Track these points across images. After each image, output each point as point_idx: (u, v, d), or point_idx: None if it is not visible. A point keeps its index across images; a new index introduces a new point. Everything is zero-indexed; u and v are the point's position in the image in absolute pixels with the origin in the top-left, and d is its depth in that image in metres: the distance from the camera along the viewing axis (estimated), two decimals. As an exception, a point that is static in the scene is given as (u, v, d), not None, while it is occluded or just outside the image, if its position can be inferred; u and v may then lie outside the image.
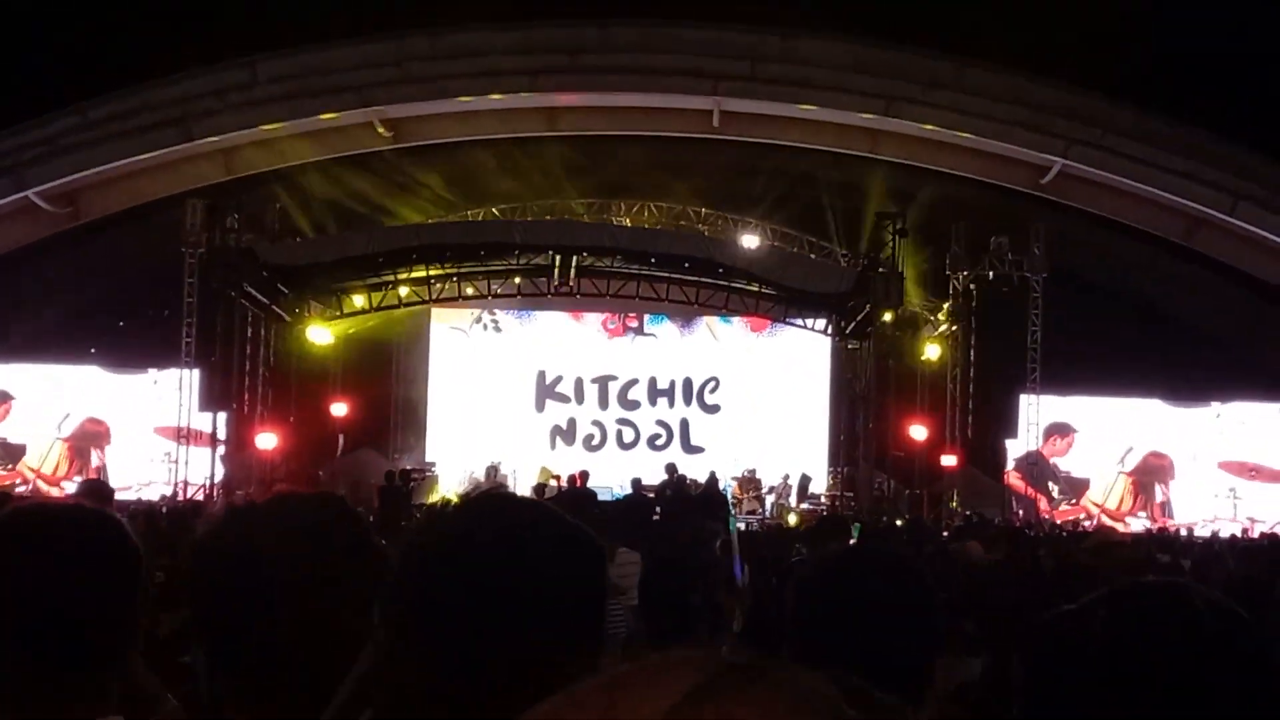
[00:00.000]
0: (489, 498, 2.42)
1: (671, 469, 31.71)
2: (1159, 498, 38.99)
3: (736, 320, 40.27)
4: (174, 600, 11.78)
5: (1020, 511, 37.01)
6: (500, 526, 2.24)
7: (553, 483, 33.86)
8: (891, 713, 1.16)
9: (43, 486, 36.84)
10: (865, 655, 3.04)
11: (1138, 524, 36.83)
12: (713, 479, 31.80)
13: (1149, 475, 39.02)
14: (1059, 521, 36.34)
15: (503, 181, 40.04)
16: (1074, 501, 38.86)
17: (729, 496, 35.51)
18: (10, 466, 38.30)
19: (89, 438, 38.47)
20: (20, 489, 35.37)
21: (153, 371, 37.93)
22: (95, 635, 2.73)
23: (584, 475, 30.78)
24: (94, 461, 38.37)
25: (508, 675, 2.10)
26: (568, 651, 2.15)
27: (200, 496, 33.29)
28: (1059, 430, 38.78)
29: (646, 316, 40.80)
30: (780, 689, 1.10)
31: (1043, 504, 38.13)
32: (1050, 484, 38.70)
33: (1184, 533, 34.65)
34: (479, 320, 40.71)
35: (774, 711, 1.07)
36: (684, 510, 25.57)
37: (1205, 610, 2.08)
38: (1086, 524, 35.75)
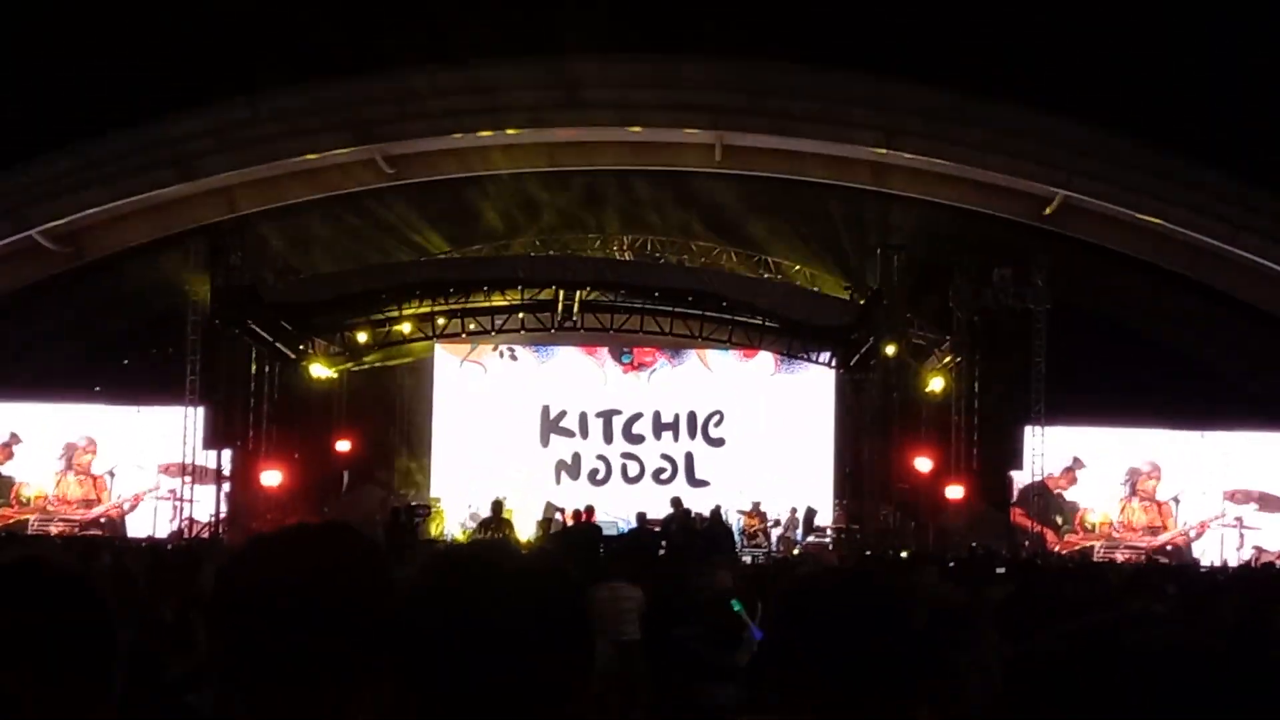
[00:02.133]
0: (458, 548, 2.61)
1: (677, 503, 31.69)
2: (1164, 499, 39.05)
3: (741, 353, 40.24)
4: (182, 641, 11.74)
5: (1027, 543, 36.94)
6: (469, 571, 2.46)
7: (558, 517, 33.86)
8: None
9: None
10: (845, 673, 3.07)
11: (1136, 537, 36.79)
12: (717, 513, 31.75)
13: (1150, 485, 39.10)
14: (1064, 553, 36.32)
15: (503, 217, 40.03)
16: (1078, 532, 38.82)
17: (737, 530, 35.57)
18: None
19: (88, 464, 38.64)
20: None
21: (144, 409, 37.97)
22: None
23: (590, 510, 30.81)
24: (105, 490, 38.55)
25: (498, 704, 2.27)
26: (549, 678, 2.32)
27: (206, 534, 33.28)
28: (1073, 463, 38.82)
29: (651, 349, 40.77)
30: None
31: (1050, 536, 38.07)
32: (1056, 516, 38.64)
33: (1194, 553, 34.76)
34: (495, 349, 40.64)
35: None
36: (690, 546, 25.60)
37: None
38: (1108, 553, 35.81)
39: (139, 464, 38.59)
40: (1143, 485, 39.10)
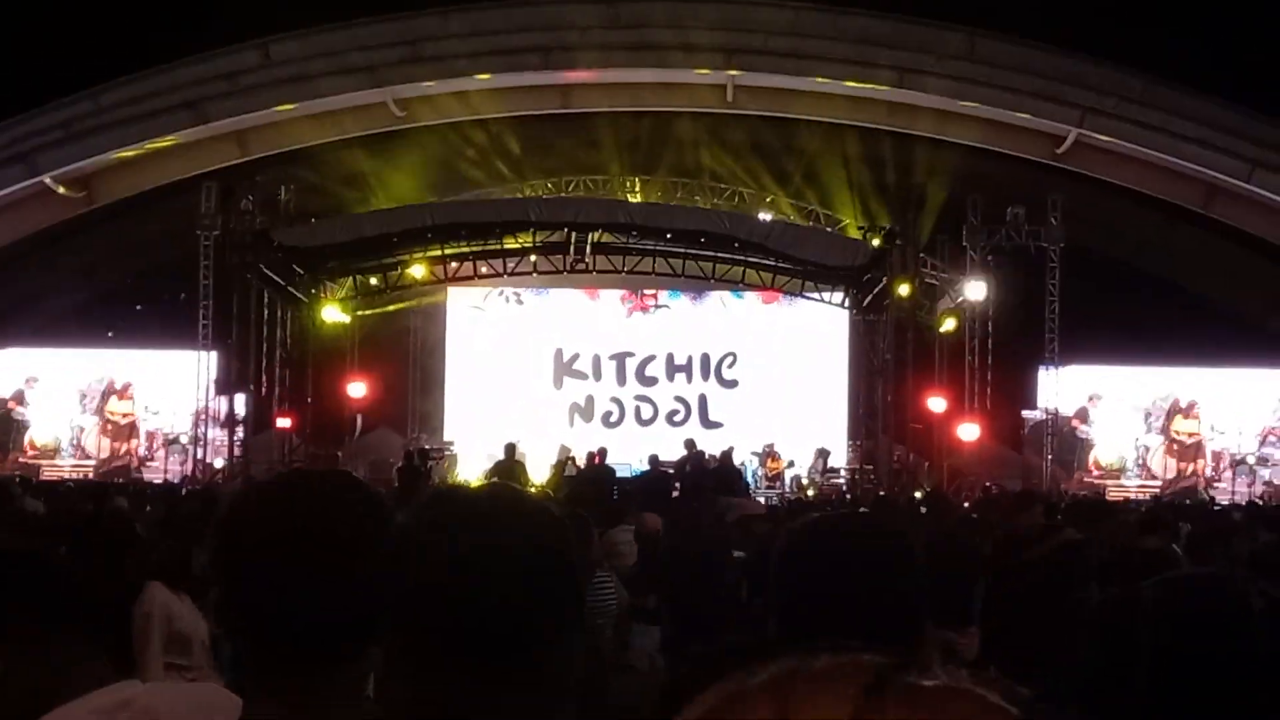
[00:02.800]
0: (451, 489, 2.59)
1: (690, 444, 31.66)
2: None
3: (753, 294, 40.18)
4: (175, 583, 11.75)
5: (1040, 483, 36.94)
6: (462, 513, 2.42)
7: (573, 457, 33.85)
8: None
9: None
10: (849, 618, 3.07)
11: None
12: (727, 455, 31.69)
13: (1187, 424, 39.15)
14: (1080, 494, 36.34)
15: (514, 160, 39.95)
16: (1091, 471, 38.89)
17: (754, 472, 35.62)
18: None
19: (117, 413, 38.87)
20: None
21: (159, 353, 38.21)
22: None
23: (602, 453, 30.76)
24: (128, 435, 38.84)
25: (488, 645, 2.26)
26: (542, 618, 2.31)
27: (221, 479, 33.39)
28: (1092, 398, 38.81)
29: (663, 291, 40.71)
30: (956, 696, 1.09)
31: (1061, 474, 38.09)
32: (1069, 455, 38.66)
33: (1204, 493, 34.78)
34: (500, 294, 40.61)
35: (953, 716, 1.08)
36: (702, 486, 25.59)
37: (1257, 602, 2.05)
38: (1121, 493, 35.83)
39: (153, 409, 38.75)
40: (1175, 427, 39.09)
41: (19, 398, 38.86)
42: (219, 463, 35.56)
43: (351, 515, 2.57)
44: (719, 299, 40.69)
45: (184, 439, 37.89)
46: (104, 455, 38.48)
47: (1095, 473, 38.57)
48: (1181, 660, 2.02)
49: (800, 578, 3.32)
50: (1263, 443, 39.17)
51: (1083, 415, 38.78)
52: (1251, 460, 38.73)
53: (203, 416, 36.11)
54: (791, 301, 39.66)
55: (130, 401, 38.80)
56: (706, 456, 31.15)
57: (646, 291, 40.75)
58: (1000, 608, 4.61)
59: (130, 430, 38.91)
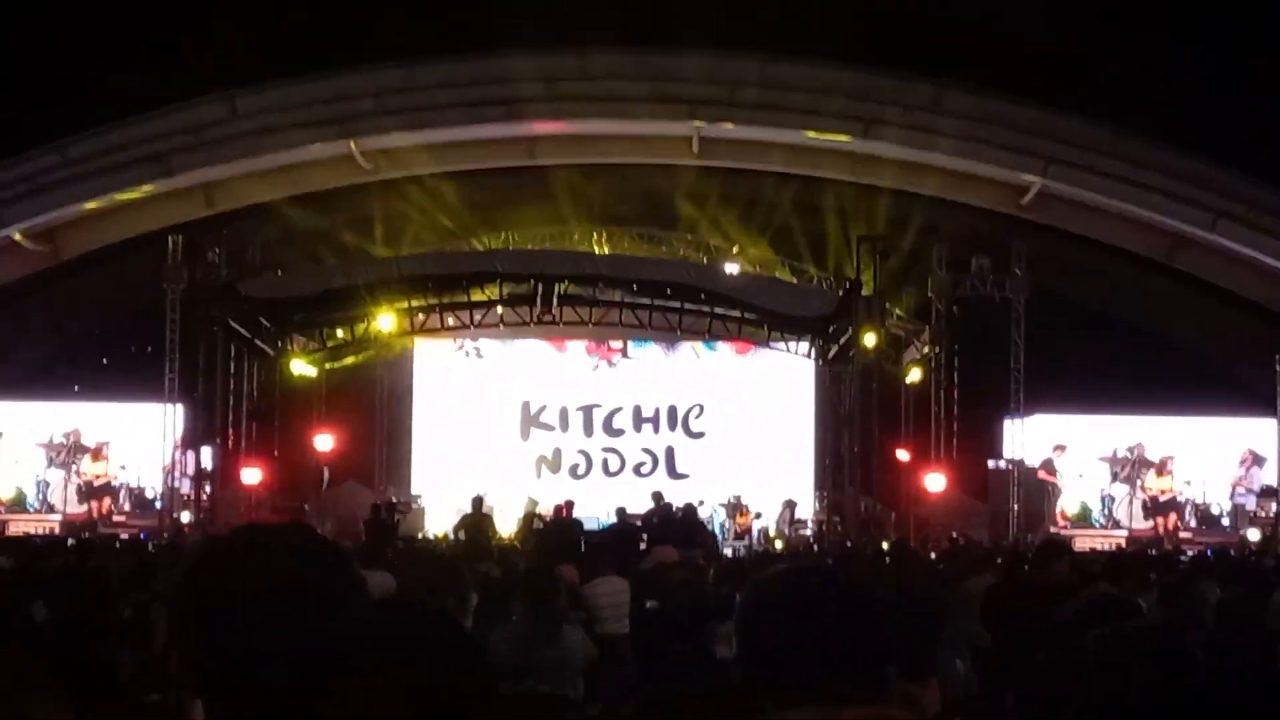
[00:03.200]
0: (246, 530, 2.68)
1: (658, 497, 31.63)
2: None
3: (721, 345, 40.27)
4: (140, 637, 11.66)
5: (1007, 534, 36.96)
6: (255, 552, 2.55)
7: (539, 511, 33.78)
8: None
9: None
10: (812, 666, 3.13)
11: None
12: (690, 508, 31.64)
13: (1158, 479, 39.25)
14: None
15: (481, 211, 40.00)
16: (1057, 522, 38.92)
17: (722, 524, 35.62)
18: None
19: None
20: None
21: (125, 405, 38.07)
22: None
23: (569, 505, 30.78)
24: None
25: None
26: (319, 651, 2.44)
27: (186, 533, 33.22)
28: (1058, 448, 38.87)
29: (630, 342, 40.76)
30: None
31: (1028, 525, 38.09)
32: (1035, 505, 38.70)
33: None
34: (460, 348, 40.64)
35: None
36: (668, 538, 25.57)
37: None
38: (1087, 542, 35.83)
39: (119, 463, 38.57)
40: (1147, 483, 39.17)
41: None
42: (185, 516, 35.38)
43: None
44: (690, 349, 40.77)
45: (149, 493, 37.74)
46: (72, 511, 38.23)
47: (1062, 523, 38.56)
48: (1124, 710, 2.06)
49: (767, 626, 3.37)
50: (1233, 494, 39.27)
51: (1048, 466, 38.83)
52: (1222, 511, 38.91)
53: (170, 470, 35.97)
54: (758, 352, 39.75)
55: (105, 462, 38.59)
56: (675, 509, 31.14)
57: (613, 344, 40.80)
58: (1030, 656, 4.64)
59: (104, 489, 38.71)
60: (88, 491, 38.42)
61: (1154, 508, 39.01)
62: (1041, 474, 38.83)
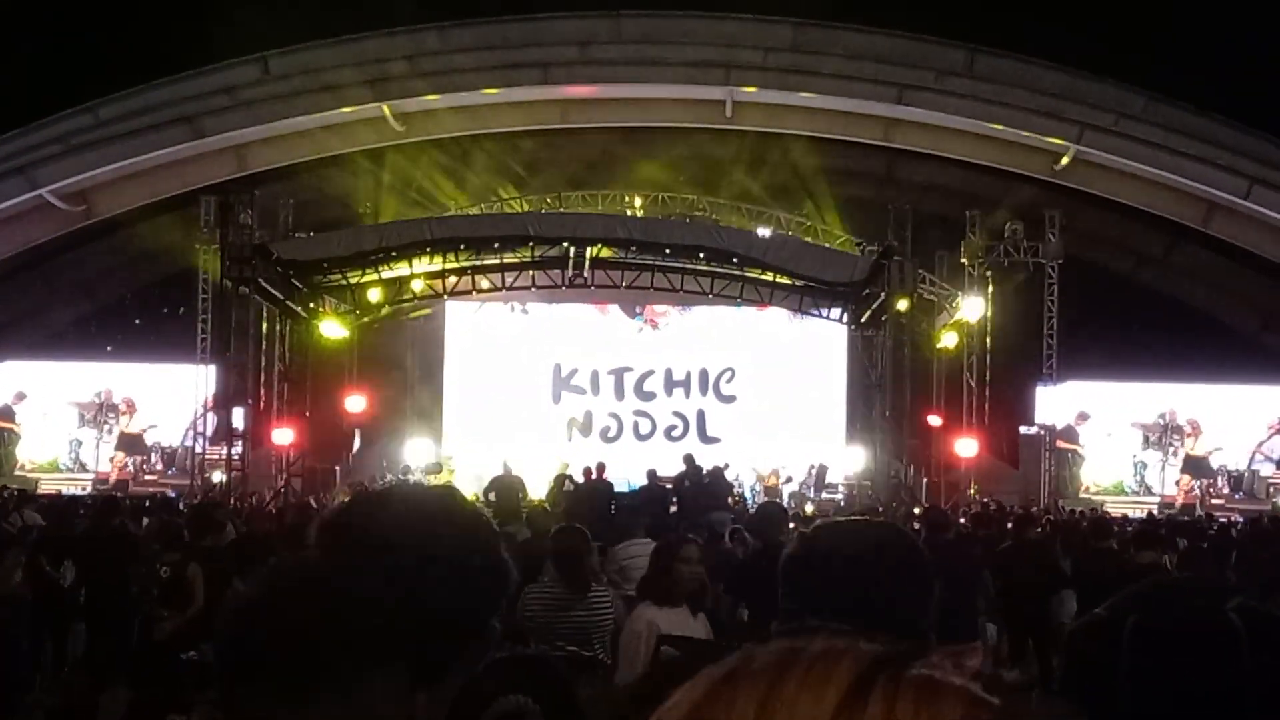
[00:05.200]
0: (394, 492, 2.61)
1: (689, 459, 31.56)
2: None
3: (752, 309, 40.14)
4: (178, 599, 11.71)
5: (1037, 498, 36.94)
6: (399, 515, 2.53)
7: (571, 474, 33.79)
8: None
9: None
10: (855, 619, 3.09)
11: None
12: (718, 470, 31.59)
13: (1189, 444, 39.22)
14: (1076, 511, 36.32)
15: (513, 174, 40.00)
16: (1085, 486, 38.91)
17: (751, 487, 35.62)
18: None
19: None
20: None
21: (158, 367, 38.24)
22: None
23: (601, 467, 30.71)
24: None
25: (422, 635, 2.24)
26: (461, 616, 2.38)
27: (218, 494, 33.33)
28: (1080, 416, 38.80)
29: (671, 308, 40.74)
30: (941, 686, 1.10)
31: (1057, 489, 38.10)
32: (1064, 470, 38.67)
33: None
34: (508, 305, 40.66)
35: (937, 708, 1.06)
36: (700, 502, 25.62)
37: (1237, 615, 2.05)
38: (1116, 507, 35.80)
39: (151, 423, 38.76)
40: (1185, 448, 39.15)
41: (7, 414, 38.86)
42: (217, 477, 35.49)
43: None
44: (722, 313, 40.61)
45: (181, 453, 37.92)
46: (104, 470, 38.45)
47: (1087, 492, 38.54)
48: (1161, 683, 2.02)
49: (810, 579, 3.34)
50: (1251, 460, 39.20)
51: (1067, 434, 38.76)
52: (1243, 473, 38.92)
53: (189, 430, 36.11)
54: (790, 316, 39.63)
55: (137, 419, 38.81)
56: (705, 471, 31.10)
57: (657, 308, 40.78)
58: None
59: (138, 445, 38.94)
60: (123, 443, 38.64)
61: (1189, 470, 39.01)
62: (1061, 443, 38.76)
